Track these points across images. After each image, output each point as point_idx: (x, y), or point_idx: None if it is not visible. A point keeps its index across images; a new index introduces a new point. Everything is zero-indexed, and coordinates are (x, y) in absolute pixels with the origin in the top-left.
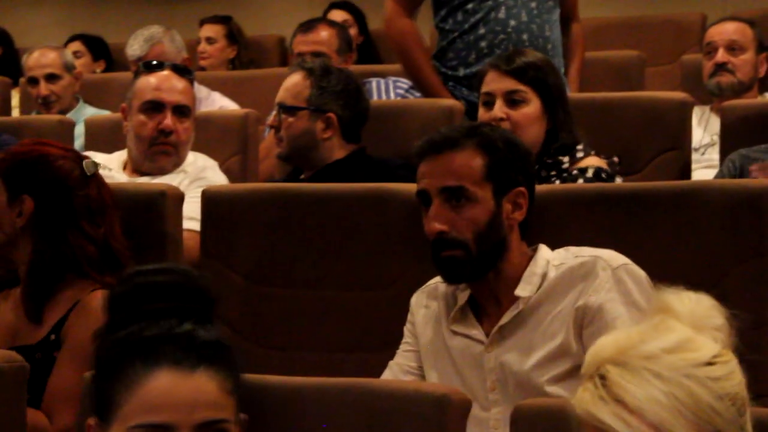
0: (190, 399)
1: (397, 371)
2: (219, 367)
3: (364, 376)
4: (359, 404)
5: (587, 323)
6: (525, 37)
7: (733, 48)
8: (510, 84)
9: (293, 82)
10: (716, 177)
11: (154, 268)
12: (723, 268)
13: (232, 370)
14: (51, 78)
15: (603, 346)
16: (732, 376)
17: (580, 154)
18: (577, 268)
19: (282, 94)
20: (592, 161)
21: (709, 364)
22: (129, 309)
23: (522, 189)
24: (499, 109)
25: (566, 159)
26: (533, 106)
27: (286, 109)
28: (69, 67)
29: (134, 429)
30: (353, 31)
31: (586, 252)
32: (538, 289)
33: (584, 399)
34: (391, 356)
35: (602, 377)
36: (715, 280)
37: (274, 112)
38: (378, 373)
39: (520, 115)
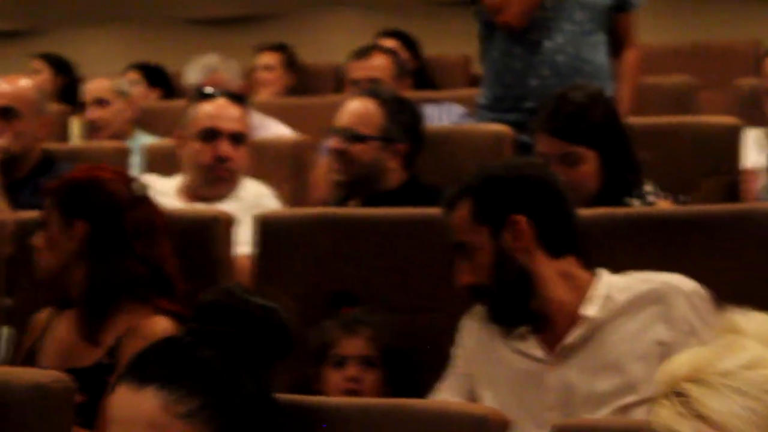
0: (128, 415)
1: (445, 394)
2: (175, 388)
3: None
4: (400, 425)
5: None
6: (560, 58)
7: None
8: (560, 146)
9: (365, 110)
10: None
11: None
12: None
13: (206, 396)
14: (99, 103)
15: (676, 365)
16: None
17: (651, 198)
18: (647, 294)
19: (350, 119)
20: (664, 207)
21: None
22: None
23: (515, 216)
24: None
25: (637, 203)
26: (590, 163)
27: (357, 136)
28: (120, 94)
29: None
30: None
31: (653, 277)
32: (604, 310)
33: (663, 416)
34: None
35: (679, 394)
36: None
37: (334, 137)
38: (427, 396)
39: (579, 175)
